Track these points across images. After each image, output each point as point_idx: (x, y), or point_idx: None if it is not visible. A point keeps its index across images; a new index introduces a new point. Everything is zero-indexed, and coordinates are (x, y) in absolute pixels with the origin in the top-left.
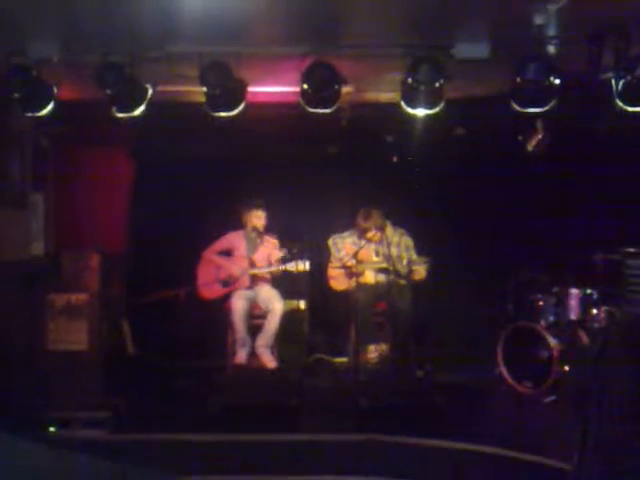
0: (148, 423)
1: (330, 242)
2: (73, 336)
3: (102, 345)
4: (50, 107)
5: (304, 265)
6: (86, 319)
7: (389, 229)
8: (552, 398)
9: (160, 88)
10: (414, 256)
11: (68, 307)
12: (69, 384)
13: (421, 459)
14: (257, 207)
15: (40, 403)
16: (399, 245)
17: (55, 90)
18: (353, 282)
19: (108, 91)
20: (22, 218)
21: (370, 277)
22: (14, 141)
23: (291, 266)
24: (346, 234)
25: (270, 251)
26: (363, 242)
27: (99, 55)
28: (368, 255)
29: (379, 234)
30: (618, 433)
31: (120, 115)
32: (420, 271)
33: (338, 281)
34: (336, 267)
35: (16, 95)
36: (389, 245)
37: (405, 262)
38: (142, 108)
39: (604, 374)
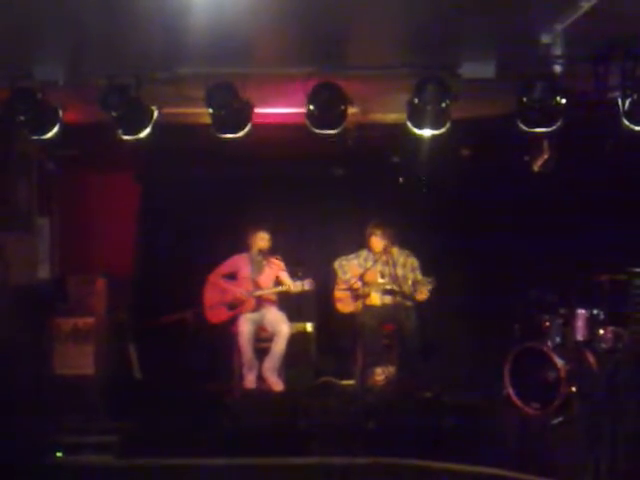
0: (155, 448)
1: (336, 265)
2: (80, 360)
3: (109, 369)
4: (55, 130)
5: (308, 285)
6: (93, 343)
7: (395, 250)
8: (560, 419)
9: (166, 110)
10: (419, 277)
11: (75, 331)
12: (76, 409)
13: None
14: (262, 229)
15: (47, 428)
16: (405, 266)
17: (60, 113)
18: (360, 304)
19: (113, 113)
20: (28, 242)
21: (376, 299)
22: (20, 165)
23: (295, 286)
24: (352, 256)
25: (276, 273)
26: (369, 263)
27: (105, 77)
28: (374, 277)
29: (385, 256)
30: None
31: (126, 138)
32: (423, 291)
33: (344, 303)
34: (342, 289)
35: (21, 118)
36: (395, 266)
37: (410, 283)
38: (148, 130)
39: (617, 395)
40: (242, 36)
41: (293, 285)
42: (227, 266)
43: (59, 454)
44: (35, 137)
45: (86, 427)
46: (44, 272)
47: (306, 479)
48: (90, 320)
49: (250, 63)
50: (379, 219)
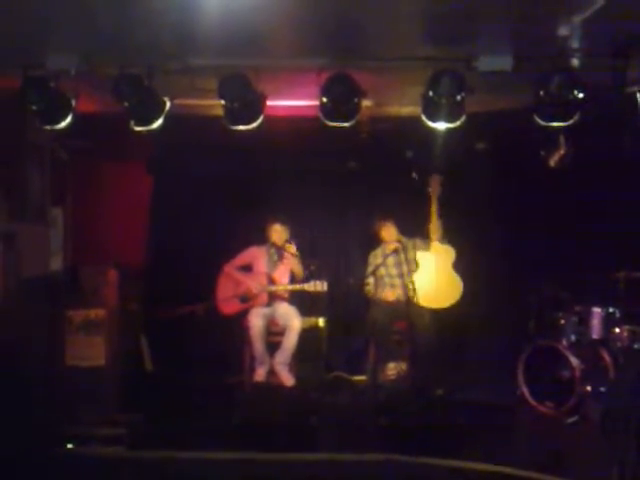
0: (166, 440)
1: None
2: (91, 352)
3: (120, 361)
4: (68, 120)
5: (322, 286)
6: (104, 335)
7: (404, 240)
8: (574, 419)
9: (178, 101)
10: None
11: (87, 323)
12: (87, 400)
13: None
14: (277, 221)
15: (58, 419)
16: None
17: (73, 103)
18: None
19: (125, 103)
20: (41, 232)
21: (390, 295)
22: (33, 155)
23: (309, 286)
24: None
25: (290, 268)
26: (379, 259)
27: (117, 67)
28: (386, 271)
29: (398, 246)
30: None
31: (138, 128)
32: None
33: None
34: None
35: (34, 108)
36: (407, 263)
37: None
38: (160, 121)
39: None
40: (255, 27)
41: (307, 285)
42: (243, 258)
43: (70, 445)
44: (48, 127)
45: (97, 419)
46: (57, 263)
47: (316, 475)
48: (102, 311)
49: (263, 55)
50: (386, 211)
